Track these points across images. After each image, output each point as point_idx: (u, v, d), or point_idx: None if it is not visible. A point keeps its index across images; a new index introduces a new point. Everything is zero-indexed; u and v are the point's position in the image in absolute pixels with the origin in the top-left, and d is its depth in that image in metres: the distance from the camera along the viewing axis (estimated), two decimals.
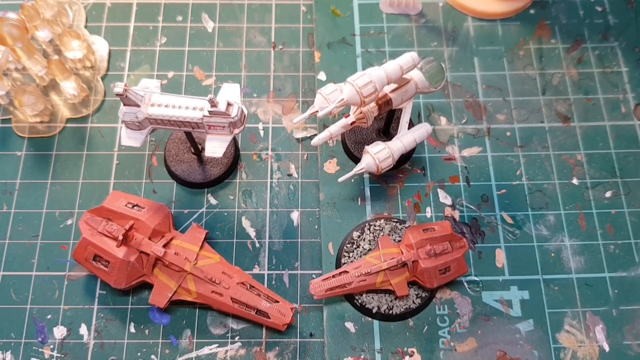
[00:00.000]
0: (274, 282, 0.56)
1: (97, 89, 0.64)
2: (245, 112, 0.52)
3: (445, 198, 0.59)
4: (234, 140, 0.62)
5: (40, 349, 0.53)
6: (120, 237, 0.51)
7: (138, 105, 0.50)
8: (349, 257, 0.56)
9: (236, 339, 0.54)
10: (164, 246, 0.52)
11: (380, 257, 0.53)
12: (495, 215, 0.59)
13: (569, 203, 0.59)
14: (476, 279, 0.56)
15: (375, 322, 0.54)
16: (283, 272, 0.57)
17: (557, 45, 0.68)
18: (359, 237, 0.57)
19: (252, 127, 0.63)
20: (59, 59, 0.60)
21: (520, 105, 0.64)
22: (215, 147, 0.51)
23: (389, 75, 0.50)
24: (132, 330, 0.54)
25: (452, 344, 0.54)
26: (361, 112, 0.53)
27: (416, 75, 0.54)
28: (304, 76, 0.66)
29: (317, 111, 0.57)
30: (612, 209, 0.59)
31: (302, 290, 0.56)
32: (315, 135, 0.62)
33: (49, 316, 0.55)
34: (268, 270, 0.57)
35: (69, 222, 0.58)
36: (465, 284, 0.56)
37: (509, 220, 0.59)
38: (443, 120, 0.63)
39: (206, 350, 0.53)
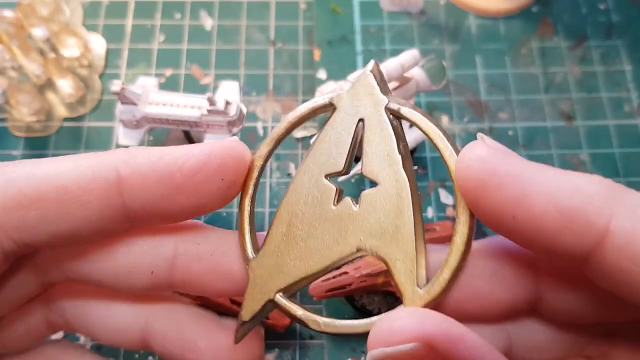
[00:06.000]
0: None
1: (94, 88, 0.64)
2: (244, 110, 0.51)
3: (446, 198, 0.59)
4: None
5: None
6: None
7: (135, 104, 0.50)
8: None
9: None
10: None
11: None
12: None
13: None
14: None
15: None
16: None
17: (560, 44, 0.67)
18: None
19: (251, 126, 0.63)
20: (55, 57, 0.59)
21: (522, 104, 0.64)
22: None
23: (389, 73, 0.49)
24: None
25: None
26: None
27: (417, 74, 0.53)
28: (304, 74, 0.65)
29: None
30: None
31: (302, 292, 0.55)
32: (315, 135, 0.62)
33: None
34: None
35: None
36: None
37: None
38: (445, 119, 0.63)
39: None
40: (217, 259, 0.27)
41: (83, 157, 0.24)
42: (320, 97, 0.26)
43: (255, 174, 0.26)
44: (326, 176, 0.26)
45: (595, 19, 0.68)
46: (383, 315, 0.23)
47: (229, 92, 0.52)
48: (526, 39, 0.67)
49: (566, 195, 0.20)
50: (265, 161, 0.27)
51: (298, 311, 0.25)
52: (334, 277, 0.53)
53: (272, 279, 0.25)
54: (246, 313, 0.26)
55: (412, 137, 0.54)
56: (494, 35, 0.67)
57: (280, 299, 0.26)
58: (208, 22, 0.68)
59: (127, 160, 0.24)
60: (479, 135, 0.23)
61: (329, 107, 0.26)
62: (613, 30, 0.68)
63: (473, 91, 0.64)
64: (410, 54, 0.50)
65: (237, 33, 0.68)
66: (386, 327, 0.21)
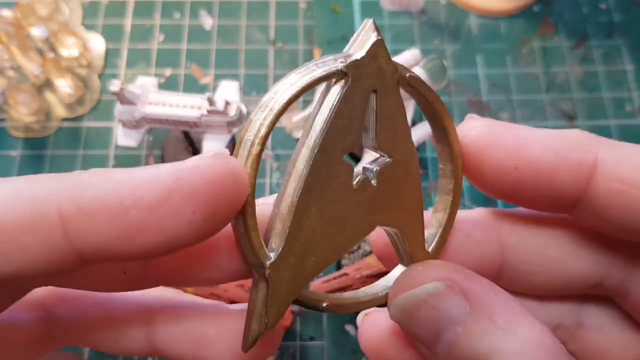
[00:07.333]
0: None
1: (93, 88, 0.63)
2: (244, 110, 0.51)
3: None
4: (233, 139, 0.61)
5: None
6: None
7: (135, 104, 0.49)
8: (349, 258, 0.55)
9: None
10: None
11: None
12: None
13: None
14: None
15: None
16: None
17: (561, 43, 0.67)
18: None
19: None
20: (54, 57, 0.59)
21: (523, 103, 0.63)
22: (213, 146, 0.50)
23: None
24: None
25: None
26: None
27: (418, 74, 0.53)
28: None
29: None
30: None
31: None
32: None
33: None
34: None
35: None
36: None
37: None
38: None
39: None
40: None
41: (27, 186, 0.20)
42: (332, 62, 0.22)
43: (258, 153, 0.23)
44: (343, 154, 0.24)
45: (597, 19, 0.68)
46: (395, 273, 0.25)
47: (228, 92, 0.52)
48: (527, 38, 0.67)
49: (557, 140, 0.23)
50: (270, 130, 0.23)
51: (323, 302, 0.24)
52: (334, 279, 0.53)
53: (296, 275, 0.23)
54: (272, 318, 0.22)
55: (417, 135, 0.54)
56: (495, 34, 0.67)
57: (305, 293, 0.23)
58: (208, 22, 0.68)
59: (72, 194, 0.19)
60: (469, 115, 0.25)
61: (342, 76, 0.23)
62: (614, 29, 0.67)
63: (474, 91, 0.64)
64: (410, 54, 0.50)
65: (237, 33, 0.67)
66: (409, 275, 0.23)
